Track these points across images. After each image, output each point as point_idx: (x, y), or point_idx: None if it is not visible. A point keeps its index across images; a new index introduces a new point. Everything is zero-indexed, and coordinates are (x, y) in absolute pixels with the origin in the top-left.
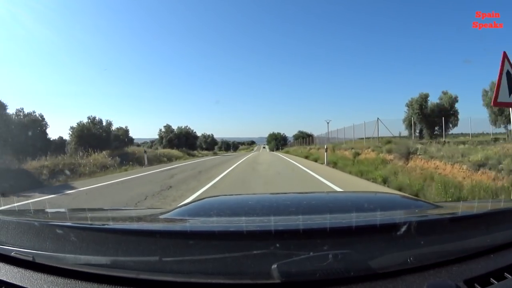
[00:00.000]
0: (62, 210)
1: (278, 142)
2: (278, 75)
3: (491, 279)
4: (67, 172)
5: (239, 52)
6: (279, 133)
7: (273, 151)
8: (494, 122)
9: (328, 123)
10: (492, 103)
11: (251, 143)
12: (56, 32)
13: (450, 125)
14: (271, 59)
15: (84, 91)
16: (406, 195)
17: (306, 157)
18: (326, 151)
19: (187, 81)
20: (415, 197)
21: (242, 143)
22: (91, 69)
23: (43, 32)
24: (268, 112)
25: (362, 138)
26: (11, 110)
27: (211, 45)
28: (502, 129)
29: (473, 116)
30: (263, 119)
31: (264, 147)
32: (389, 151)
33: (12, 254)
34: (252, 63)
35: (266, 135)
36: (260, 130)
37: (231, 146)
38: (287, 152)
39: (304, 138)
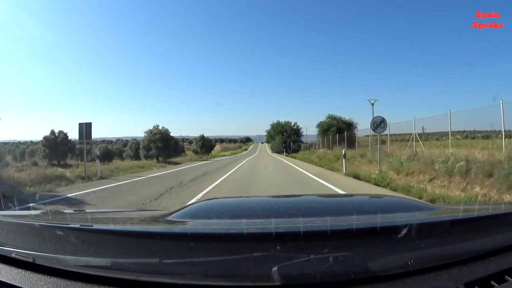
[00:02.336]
0: (63, 211)
1: (287, 137)
2: (275, 64)
3: (491, 282)
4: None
5: (237, 49)
6: (287, 123)
7: (281, 153)
8: None
9: (373, 104)
10: None
11: (246, 141)
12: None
13: None
14: (269, 52)
15: (78, 89)
16: (407, 197)
17: None
18: None
19: (180, 78)
20: (416, 200)
21: (235, 141)
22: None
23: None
24: (267, 109)
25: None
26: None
27: (207, 43)
28: None
29: None
30: (263, 117)
31: (263, 143)
32: None
33: (13, 255)
34: (250, 59)
35: (266, 132)
36: (259, 128)
37: (197, 145)
38: None
39: (340, 131)
